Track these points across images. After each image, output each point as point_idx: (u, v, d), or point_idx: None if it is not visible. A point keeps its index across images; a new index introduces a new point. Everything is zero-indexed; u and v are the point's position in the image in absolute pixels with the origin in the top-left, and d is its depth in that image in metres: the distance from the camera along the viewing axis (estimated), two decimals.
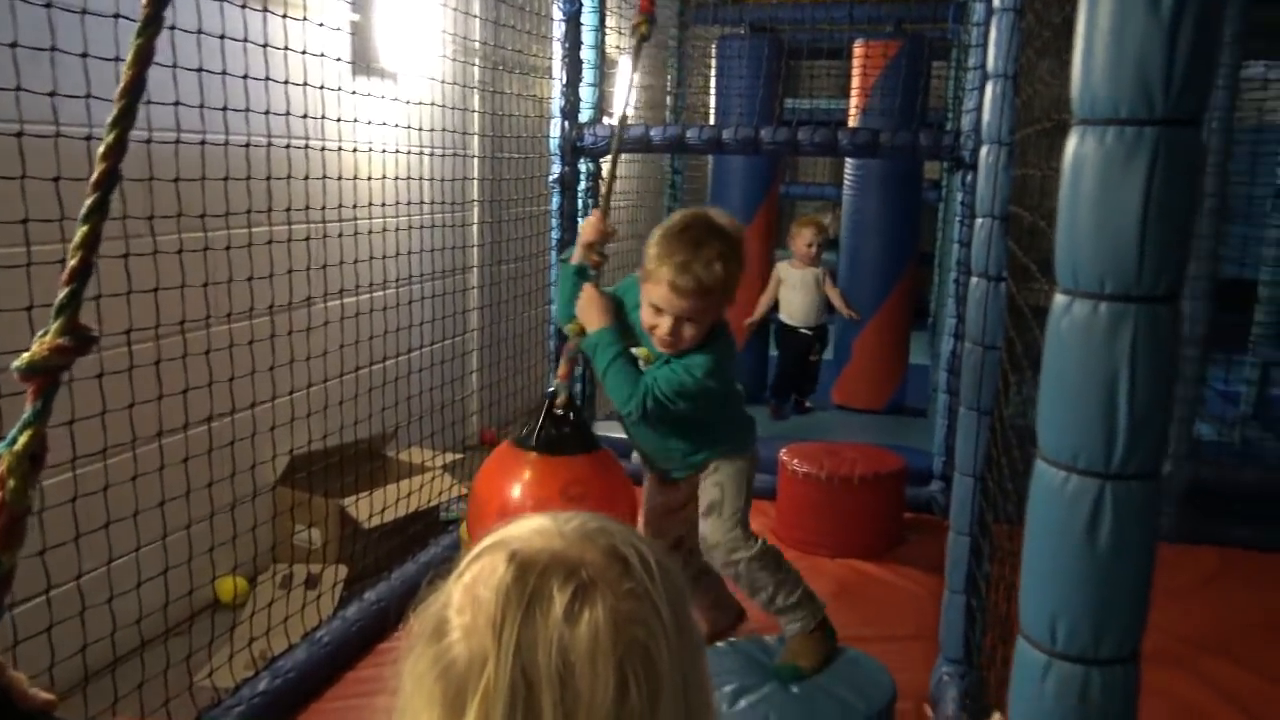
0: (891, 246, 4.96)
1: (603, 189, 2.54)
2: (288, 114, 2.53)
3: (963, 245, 3.50)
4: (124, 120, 0.94)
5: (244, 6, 2.35)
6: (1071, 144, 0.90)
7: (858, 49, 4.90)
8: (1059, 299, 0.92)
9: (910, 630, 2.85)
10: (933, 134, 3.70)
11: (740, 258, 2.09)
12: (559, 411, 2.27)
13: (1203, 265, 3.49)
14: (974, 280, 2.34)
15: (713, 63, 5.35)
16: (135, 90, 0.93)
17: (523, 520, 0.80)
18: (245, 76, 2.33)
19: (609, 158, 2.49)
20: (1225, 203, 3.52)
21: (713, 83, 5.28)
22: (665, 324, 2.07)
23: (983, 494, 2.28)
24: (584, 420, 2.36)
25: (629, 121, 4.05)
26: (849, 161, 5.03)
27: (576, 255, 2.34)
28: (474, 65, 4.24)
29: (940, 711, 2.40)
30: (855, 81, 4.95)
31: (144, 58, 0.93)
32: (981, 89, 2.47)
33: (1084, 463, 0.91)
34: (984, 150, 2.30)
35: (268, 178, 2.46)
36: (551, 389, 2.34)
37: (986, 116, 2.30)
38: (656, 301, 2.07)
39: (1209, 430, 4.63)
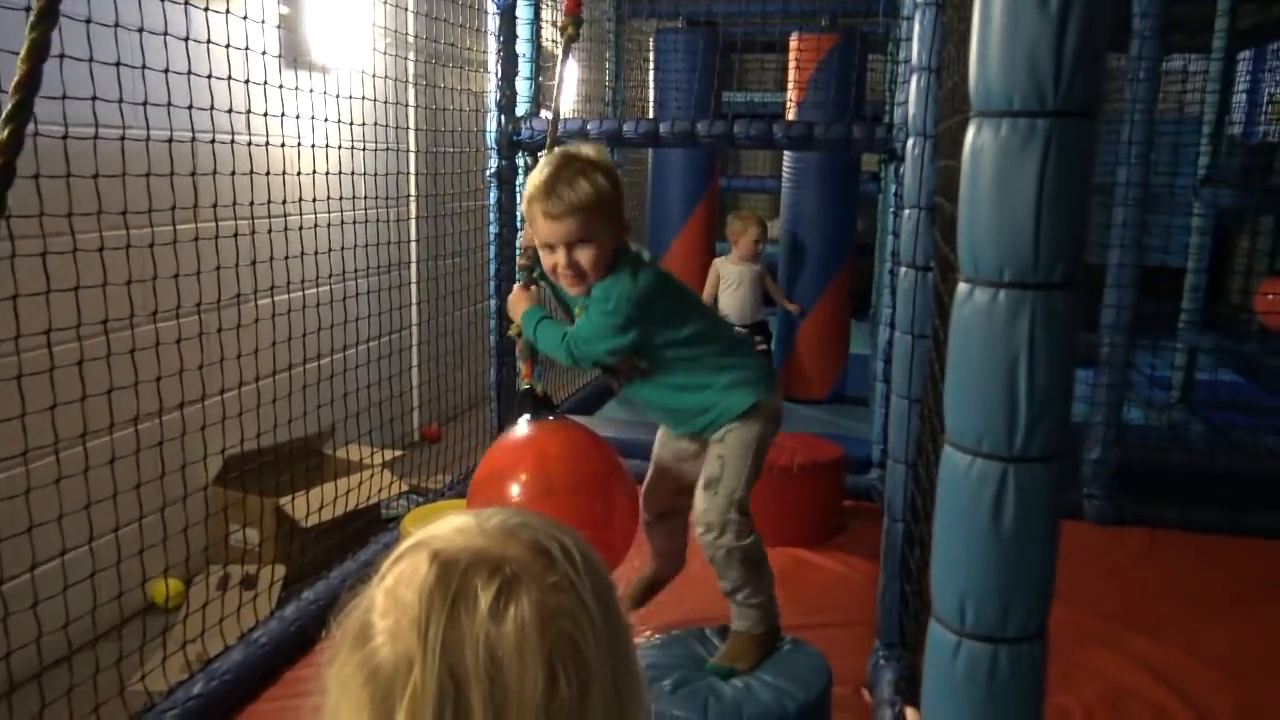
0: (830, 238, 5.02)
1: None
2: (212, 109, 2.49)
3: (894, 236, 3.55)
4: (18, 116, 0.91)
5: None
6: (970, 135, 0.92)
7: (794, 42, 4.93)
8: (961, 287, 0.94)
9: (849, 616, 2.89)
10: (867, 127, 3.74)
11: (607, 174, 2.07)
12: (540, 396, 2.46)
13: (1128, 254, 3.57)
14: (902, 270, 2.38)
15: (650, 56, 5.36)
16: (30, 85, 0.91)
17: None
18: (166, 70, 2.29)
19: (552, 141, 2.48)
20: (1148, 192, 3.60)
21: (651, 76, 5.29)
22: (560, 257, 2.06)
23: (915, 481, 2.32)
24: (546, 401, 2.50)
25: (565, 116, 4.06)
26: (787, 155, 5.07)
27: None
28: (408, 59, 4.20)
29: (877, 695, 2.44)
30: (792, 75, 4.98)
31: (39, 52, 0.91)
32: (908, 82, 2.50)
33: (987, 446, 0.93)
34: (910, 142, 2.33)
35: (192, 174, 2.42)
36: (525, 387, 2.47)
37: (912, 110, 2.34)
38: (543, 239, 2.08)
39: (1139, 414, 4.75)
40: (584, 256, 2.06)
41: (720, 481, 2.26)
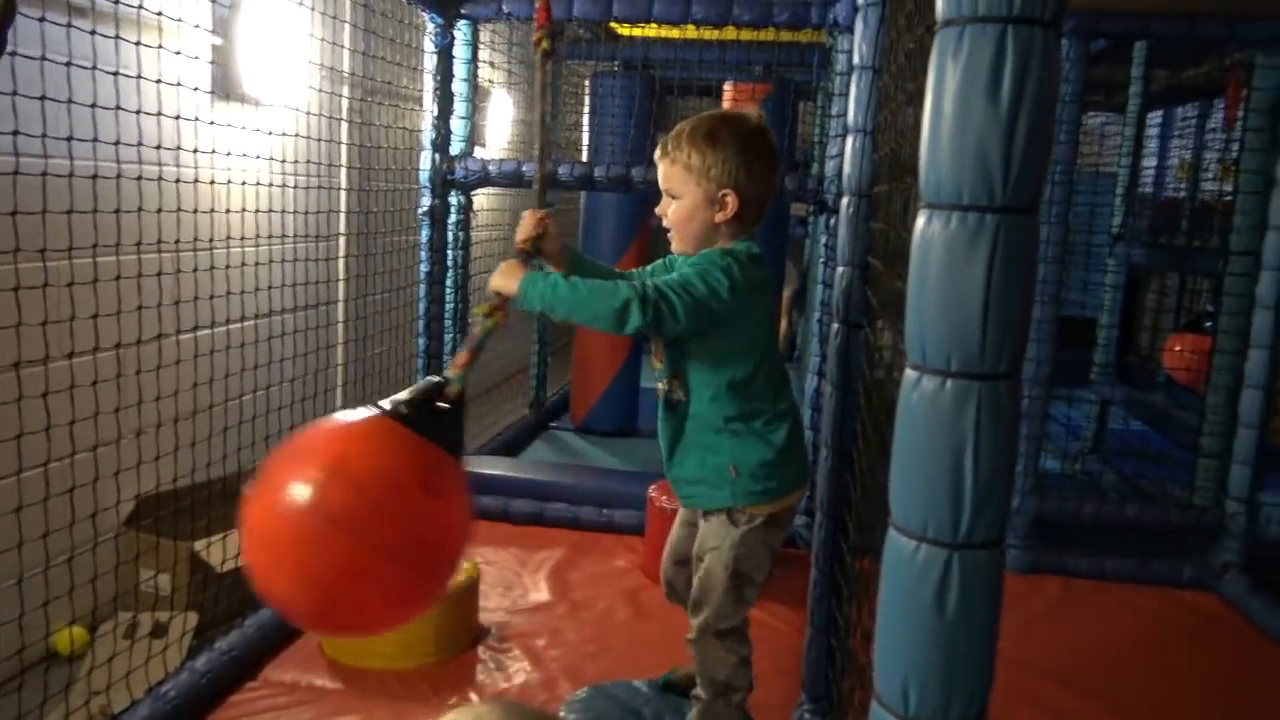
0: None
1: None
2: (139, 144, 2.43)
3: (826, 286, 3.61)
4: None
5: (93, 33, 2.25)
6: (920, 225, 0.94)
7: (728, 89, 5.01)
8: (909, 374, 0.96)
9: (773, 667, 2.88)
10: (798, 177, 3.81)
11: (729, 142, 1.99)
12: (444, 405, 1.73)
13: (1046, 309, 3.67)
14: (835, 326, 2.41)
15: (586, 99, 5.39)
16: None
17: None
18: (93, 105, 2.22)
19: (541, 145, 2.23)
20: (1065, 249, 3.72)
21: (586, 119, 5.32)
22: (663, 202, 2.05)
23: (842, 535, 2.34)
24: (462, 423, 1.82)
25: (500, 158, 4.07)
26: None
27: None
28: (342, 96, 4.15)
29: None
30: None
31: None
32: (843, 140, 2.55)
33: (933, 532, 0.94)
34: (844, 201, 2.37)
35: (116, 210, 2.35)
36: (441, 378, 1.80)
37: (847, 169, 2.38)
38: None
39: (1054, 464, 4.88)
40: (672, 211, 2.04)
41: (701, 603, 2.10)
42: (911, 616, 0.96)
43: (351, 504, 1.45)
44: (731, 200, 2.00)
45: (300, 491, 1.47)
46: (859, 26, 2.29)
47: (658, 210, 2.10)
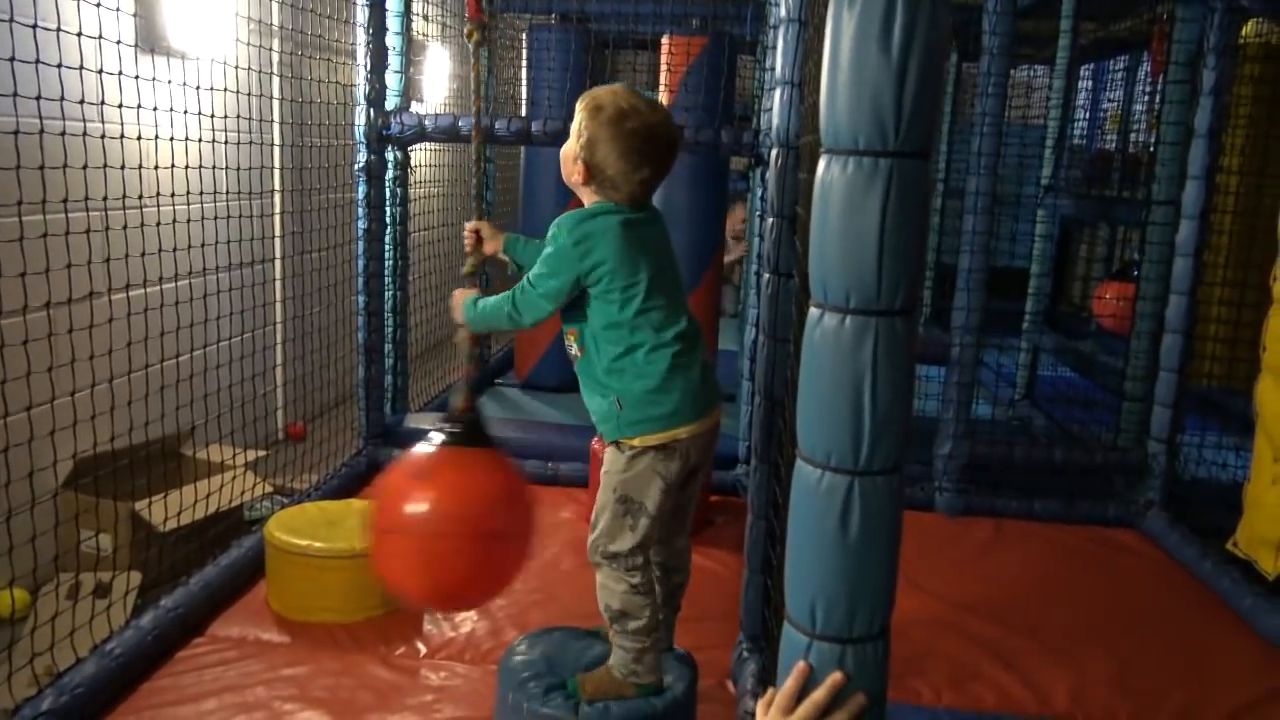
0: (699, 238, 5.11)
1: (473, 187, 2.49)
2: (62, 99, 2.38)
3: (759, 238, 3.66)
4: None
5: None
6: (820, 170, 0.98)
7: (665, 43, 5.00)
8: (812, 312, 1.01)
9: (714, 610, 2.96)
10: (734, 132, 3.84)
11: (613, 124, 2.05)
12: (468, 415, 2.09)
13: (976, 259, 3.76)
14: (765, 276, 2.47)
15: (524, 52, 5.34)
16: None
17: None
18: (12, 59, 2.18)
19: (479, 146, 2.35)
20: (994, 200, 3.80)
21: (524, 73, 5.28)
22: None
23: (776, 479, 2.41)
24: (482, 421, 2.11)
25: (436, 112, 4.04)
26: None
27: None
28: (273, 51, 4.09)
29: (740, 687, 2.53)
30: (663, 77, 5.05)
31: None
32: (772, 93, 2.59)
33: (835, 461, 1.00)
34: (773, 153, 2.42)
35: (40, 166, 2.31)
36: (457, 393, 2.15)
37: (775, 121, 2.42)
38: None
39: (987, 410, 5.01)
40: (565, 168, 2.13)
41: (594, 524, 2.16)
42: (817, 540, 1.02)
43: (484, 510, 1.96)
44: (579, 170, 2.09)
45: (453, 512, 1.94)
46: None
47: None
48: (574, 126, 2.11)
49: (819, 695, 1.03)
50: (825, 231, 0.98)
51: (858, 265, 0.96)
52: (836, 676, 1.04)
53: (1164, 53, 4.02)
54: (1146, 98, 5.70)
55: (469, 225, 2.31)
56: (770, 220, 2.44)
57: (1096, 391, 5.10)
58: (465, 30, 2.25)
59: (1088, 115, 7.08)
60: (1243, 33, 4.69)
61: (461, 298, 2.22)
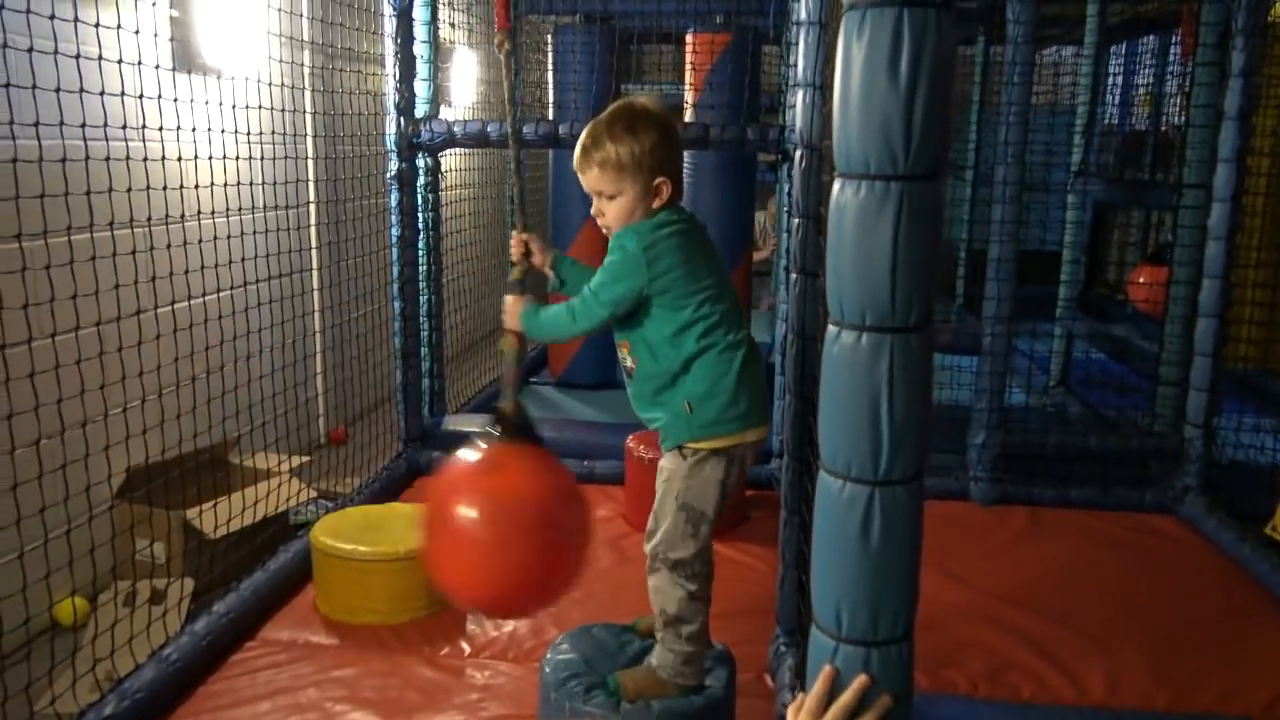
0: (727, 232, 5.13)
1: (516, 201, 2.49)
2: (105, 125, 2.47)
3: (787, 234, 3.68)
4: None
5: (52, 17, 2.28)
6: (834, 192, 1.02)
7: (689, 40, 5.03)
8: (830, 329, 1.05)
9: (751, 604, 3.01)
10: (759, 129, 3.86)
11: (648, 130, 2.06)
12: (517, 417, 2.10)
13: (1006, 248, 3.76)
14: (793, 276, 2.50)
15: (549, 54, 5.39)
16: None
17: None
18: (57, 90, 2.26)
19: (516, 156, 2.36)
20: (1023, 188, 3.79)
21: (550, 75, 5.33)
22: (595, 206, 2.13)
23: (808, 475, 2.45)
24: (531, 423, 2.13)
25: (464, 119, 4.09)
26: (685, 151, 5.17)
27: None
28: (304, 66, 4.17)
29: (778, 680, 2.57)
30: (689, 71, 5.08)
31: None
32: (796, 94, 2.62)
33: (856, 471, 1.04)
34: (797, 155, 2.45)
35: (86, 192, 2.39)
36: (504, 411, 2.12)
37: (799, 123, 2.45)
38: (585, 188, 2.15)
39: (1021, 396, 5.01)
40: (608, 210, 2.10)
41: (654, 531, 2.19)
42: (840, 547, 1.06)
43: (545, 502, 1.92)
44: (666, 186, 2.09)
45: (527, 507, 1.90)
46: None
47: (593, 213, 2.15)
48: (619, 169, 2.05)
49: (846, 698, 1.08)
50: (840, 251, 1.02)
51: (872, 284, 1.00)
52: (862, 679, 1.08)
53: (1194, 33, 3.99)
54: (1177, 79, 5.64)
55: (517, 236, 2.27)
56: (796, 221, 2.47)
57: (1131, 376, 5.07)
58: (496, 41, 2.28)
59: (1119, 96, 7.02)
60: (1272, 13, 4.64)
61: (516, 305, 2.20)
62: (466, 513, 1.89)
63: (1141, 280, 5.30)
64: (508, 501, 1.88)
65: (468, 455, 1.99)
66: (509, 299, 2.23)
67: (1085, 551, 3.51)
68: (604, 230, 2.17)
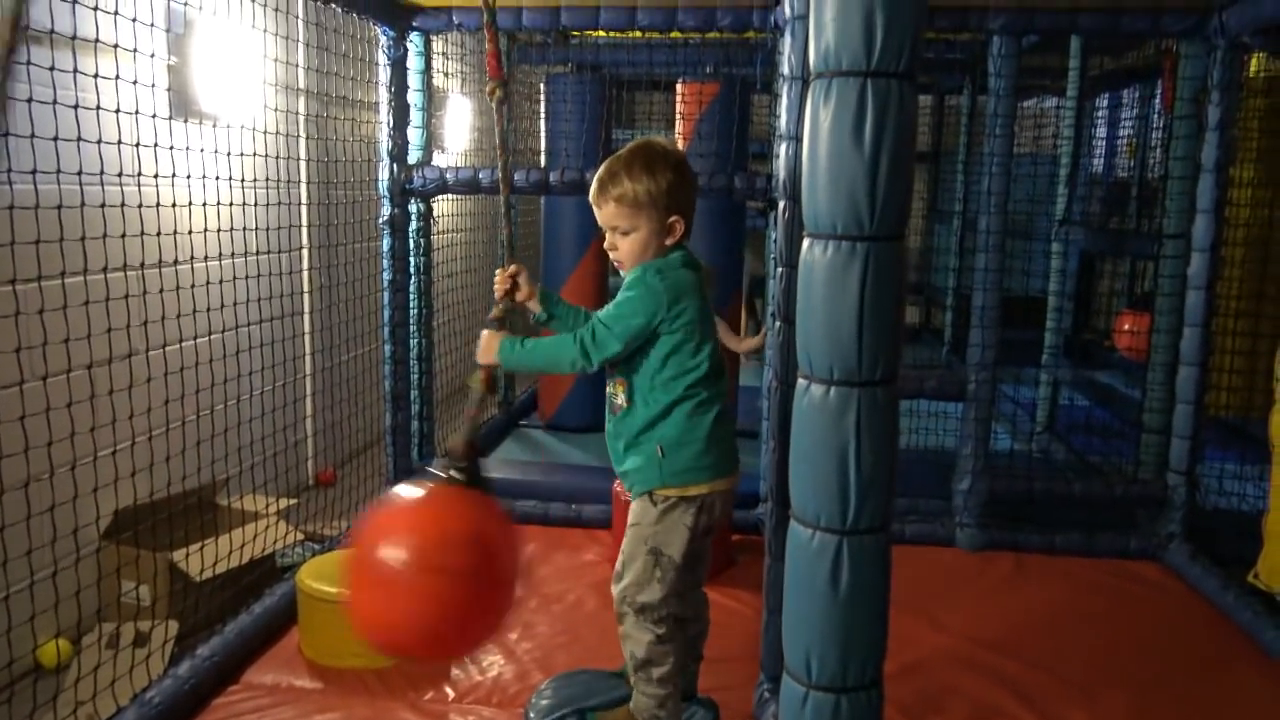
0: (718, 278, 5.19)
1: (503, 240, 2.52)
2: (101, 173, 2.52)
3: (774, 281, 3.73)
4: None
5: (52, 69, 2.33)
6: (803, 251, 1.06)
7: (679, 89, 5.12)
8: (800, 382, 1.08)
9: (736, 650, 3.00)
10: (748, 177, 3.93)
11: (664, 169, 2.12)
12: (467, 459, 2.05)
13: (990, 296, 3.82)
14: (777, 324, 2.54)
15: (541, 102, 5.48)
16: None
17: None
18: (55, 139, 2.31)
19: (506, 199, 2.41)
20: (1006, 236, 3.85)
21: (542, 122, 5.41)
22: (609, 240, 2.17)
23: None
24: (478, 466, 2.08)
25: (457, 165, 4.16)
26: None
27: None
28: (299, 114, 4.24)
29: None
30: (679, 119, 5.17)
31: None
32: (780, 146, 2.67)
33: (825, 521, 1.07)
34: (780, 205, 2.49)
35: (82, 238, 2.43)
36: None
37: (781, 174, 2.50)
38: (599, 222, 2.19)
39: (1007, 440, 5.04)
40: (622, 245, 2.16)
41: (620, 574, 2.23)
42: (810, 595, 1.09)
43: (434, 545, 1.81)
44: (679, 224, 2.14)
45: (439, 552, 1.80)
46: (787, 39, 2.40)
47: (606, 247, 2.21)
48: (635, 206, 2.10)
49: None
50: (809, 308, 1.06)
51: (839, 340, 1.03)
52: None
53: (1174, 85, 4.08)
54: (1160, 129, 5.73)
55: (503, 271, 2.28)
56: (779, 270, 2.51)
57: (1116, 422, 5.11)
58: (488, 89, 2.33)
59: (1104, 146, 7.13)
60: (1251, 68, 4.74)
61: (494, 339, 2.19)
62: (354, 549, 1.85)
63: (1125, 327, 5.36)
64: (387, 542, 1.79)
65: (393, 493, 1.94)
66: (485, 333, 2.23)
67: (1070, 598, 3.52)
68: (616, 264, 2.22)
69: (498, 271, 2.31)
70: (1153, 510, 4.00)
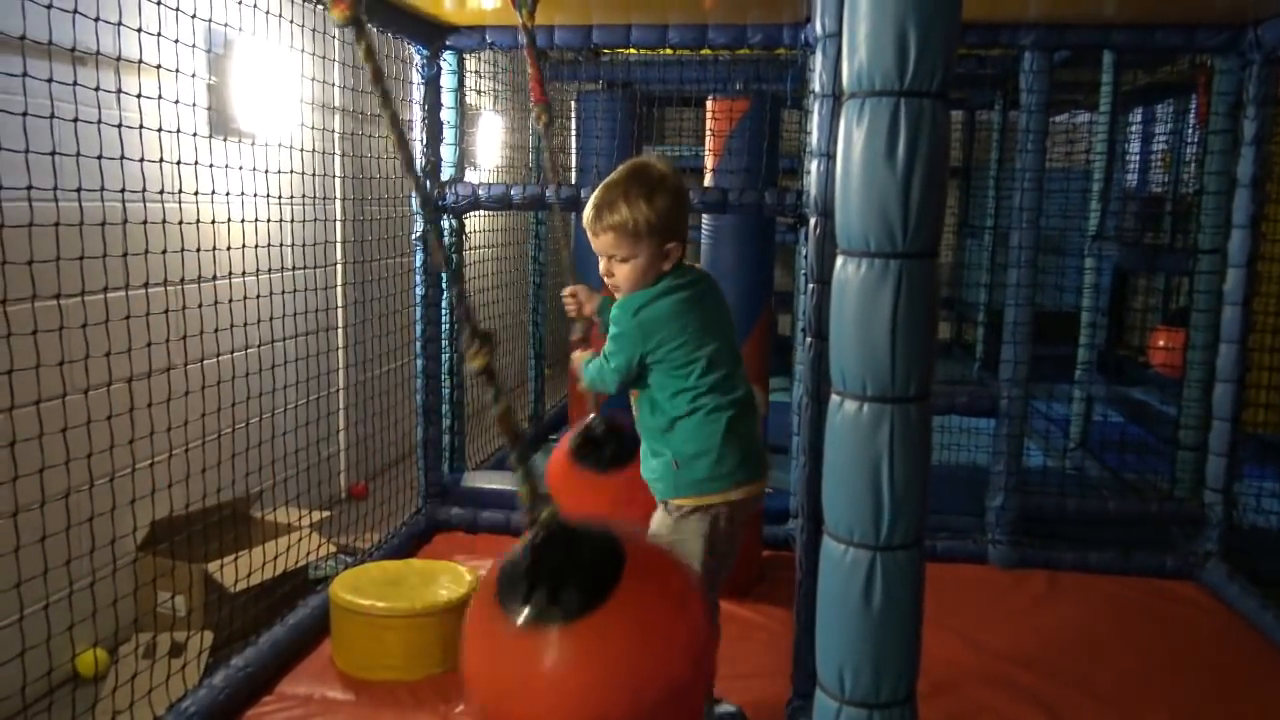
0: (747, 293, 5.17)
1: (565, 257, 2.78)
2: (144, 190, 2.57)
3: (804, 298, 3.73)
4: None
5: (97, 89, 2.39)
6: (836, 268, 1.07)
7: (710, 104, 5.14)
8: (833, 399, 1.09)
9: (767, 667, 3.00)
10: (778, 193, 3.94)
11: (658, 197, 2.11)
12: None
13: (1022, 312, 3.80)
14: (808, 340, 2.54)
15: (572, 119, 5.52)
16: None
17: None
18: (99, 157, 2.36)
19: (562, 221, 2.57)
20: (1038, 252, 3.83)
21: (573, 139, 5.45)
22: (602, 266, 2.19)
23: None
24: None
25: (488, 182, 4.21)
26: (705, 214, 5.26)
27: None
28: (334, 132, 4.30)
29: None
30: (709, 136, 5.18)
31: None
32: (811, 162, 2.68)
33: (859, 537, 1.08)
34: (811, 221, 2.50)
35: (124, 255, 2.48)
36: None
37: (813, 190, 2.51)
38: (594, 248, 2.21)
39: (1040, 457, 5.00)
40: (619, 271, 2.16)
41: None
42: (843, 611, 1.09)
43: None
44: (677, 250, 2.15)
45: None
46: (818, 57, 2.41)
47: (602, 273, 2.21)
48: (634, 234, 2.10)
49: None
50: (842, 325, 1.06)
51: (872, 356, 1.04)
52: None
53: (1209, 100, 4.05)
54: (1194, 144, 5.69)
55: (567, 290, 2.43)
56: (810, 286, 2.52)
57: (1151, 439, 5.05)
58: (535, 114, 2.39)
59: (1138, 160, 7.07)
60: None
61: (579, 359, 2.37)
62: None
63: (1160, 343, 5.31)
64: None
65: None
66: (575, 354, 2.42)
67: (1104, 617, 3.48)
68: (613, 290, 2.22)
69: (564, 291, 2.45)
70: (1189, 529, 3.94)
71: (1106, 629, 3.39)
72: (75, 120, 2.27)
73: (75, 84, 2.27)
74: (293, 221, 3.68)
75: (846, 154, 1.04)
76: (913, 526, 1.07)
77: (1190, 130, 6.04)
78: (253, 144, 3.74)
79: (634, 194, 2.11)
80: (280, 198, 3.61)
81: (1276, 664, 3.16)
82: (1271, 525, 4.01)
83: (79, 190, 2.30)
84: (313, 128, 3.96)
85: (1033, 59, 3.67)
